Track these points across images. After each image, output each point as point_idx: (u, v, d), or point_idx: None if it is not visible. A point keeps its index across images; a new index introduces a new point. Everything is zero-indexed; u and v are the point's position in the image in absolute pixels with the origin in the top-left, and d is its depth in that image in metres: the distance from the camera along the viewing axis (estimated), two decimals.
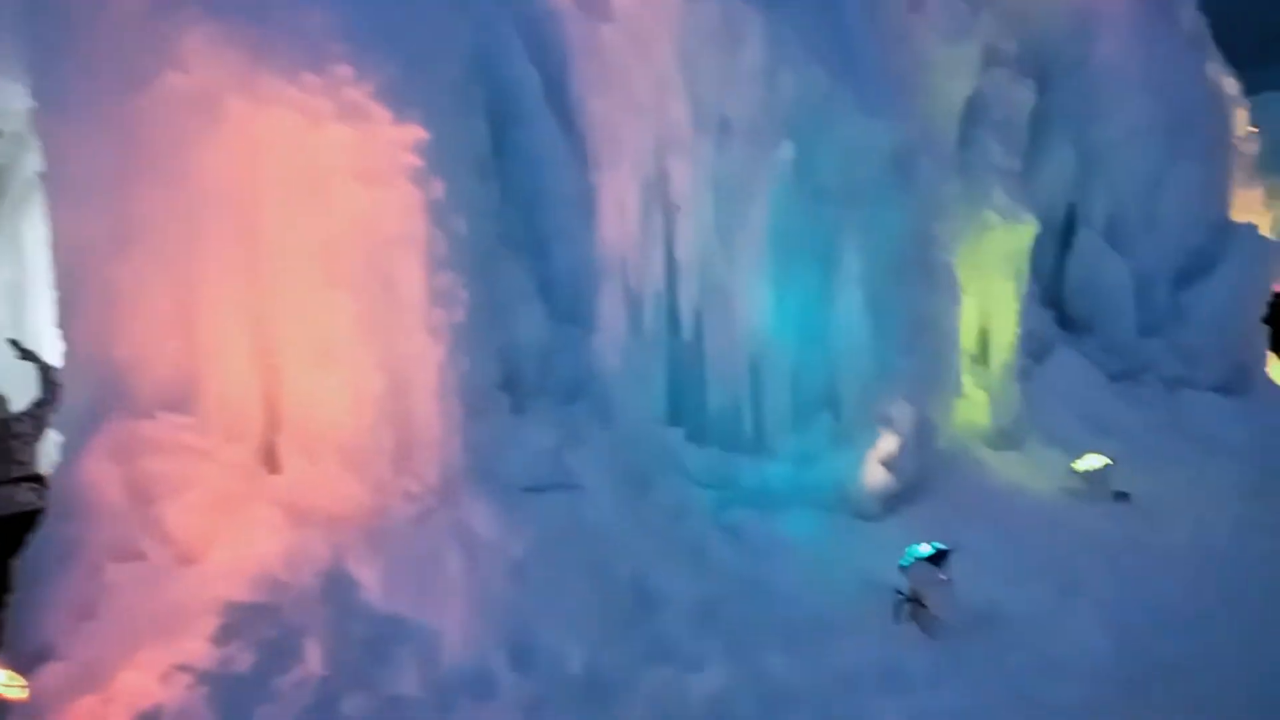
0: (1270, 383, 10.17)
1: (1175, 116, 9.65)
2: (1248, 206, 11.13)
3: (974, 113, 8.33)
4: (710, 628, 4.58)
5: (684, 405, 5.88)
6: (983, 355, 8.21)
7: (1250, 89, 11.48)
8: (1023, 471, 7.61)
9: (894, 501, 6.13)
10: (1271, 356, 11.35)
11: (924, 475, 6.55)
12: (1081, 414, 8.90)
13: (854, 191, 5.96)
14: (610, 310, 5.60)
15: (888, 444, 6.14)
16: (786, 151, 5.54)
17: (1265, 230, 10.67)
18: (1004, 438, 8.08)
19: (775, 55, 5.46)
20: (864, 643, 4.59)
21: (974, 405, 7.91)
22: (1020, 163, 9.09)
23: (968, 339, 8.04)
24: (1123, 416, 8.97)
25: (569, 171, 5.59)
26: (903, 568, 4.84)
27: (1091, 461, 7.27)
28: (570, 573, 4.61)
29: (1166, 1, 10.22)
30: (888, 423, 6.20)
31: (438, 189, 4.92)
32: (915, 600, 4.80)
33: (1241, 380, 9.65)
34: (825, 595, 5.00)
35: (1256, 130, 11.90)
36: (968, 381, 7.87)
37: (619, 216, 5.59)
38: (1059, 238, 10.01)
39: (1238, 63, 11.23)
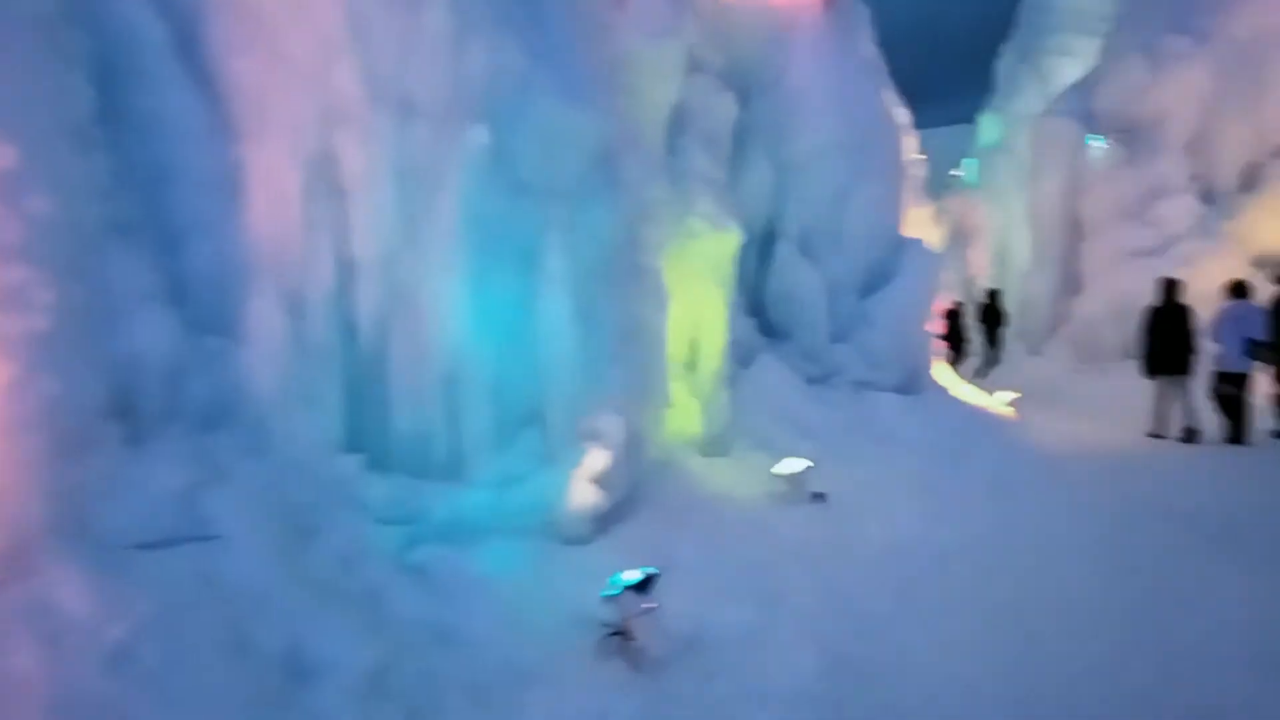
0: (935, 383, 11.18)
1: (857, 138, 10.27)
2: (918, 223, 12.23)
3: (680, 121, 8.22)
4: (381, 696, 3.76)
5: (363, 428, 4.97)
6: (693, 363, 8.09)
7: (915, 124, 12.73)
8: (731, 478, 7.54)
9: (604, 521, 5.65)
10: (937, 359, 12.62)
11: (635, 490, 6.17)
12: (784, 417, 9.12)
13: (558, 186, 5.41)
14: (264, 317, 4.57)
15: (597, 460, 5.66)
16: (479, 135, 4.85)
17: (932, 245, 11.80)
18: (714, 444, 8.00)
19: (462, 22, 4.76)
20: (564, 691, 4.01)
21: (685, 413, 7.75)
22: (725, 174, 9.17)
23: (678, 347, 7.88)
24: (819, 418, 9.33)
25: (207, 145, 4.48)
26: (608, 598, 4.33)
27: (791, 465, 7.35)
28: (198, 651, 3.56)
29: (848, 31, 10.91)
30: (597, 437, 5.71)
31: (5, 157, 3.66)
32: (622, 633, 4.31)
33: (915, 382, 10.47)
34: (523, 637, 4.36)
35: (925, 157, 13.22)
36: (678, 389, 7.68)
37: (274, 202, 4.58)
38: (760, 248, 10.29)
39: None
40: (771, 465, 7.47)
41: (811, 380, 9.83)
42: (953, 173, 22.43)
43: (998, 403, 11.97)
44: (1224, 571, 5.89)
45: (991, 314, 18.04)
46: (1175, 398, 10.16)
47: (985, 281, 20.23)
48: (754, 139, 9.90)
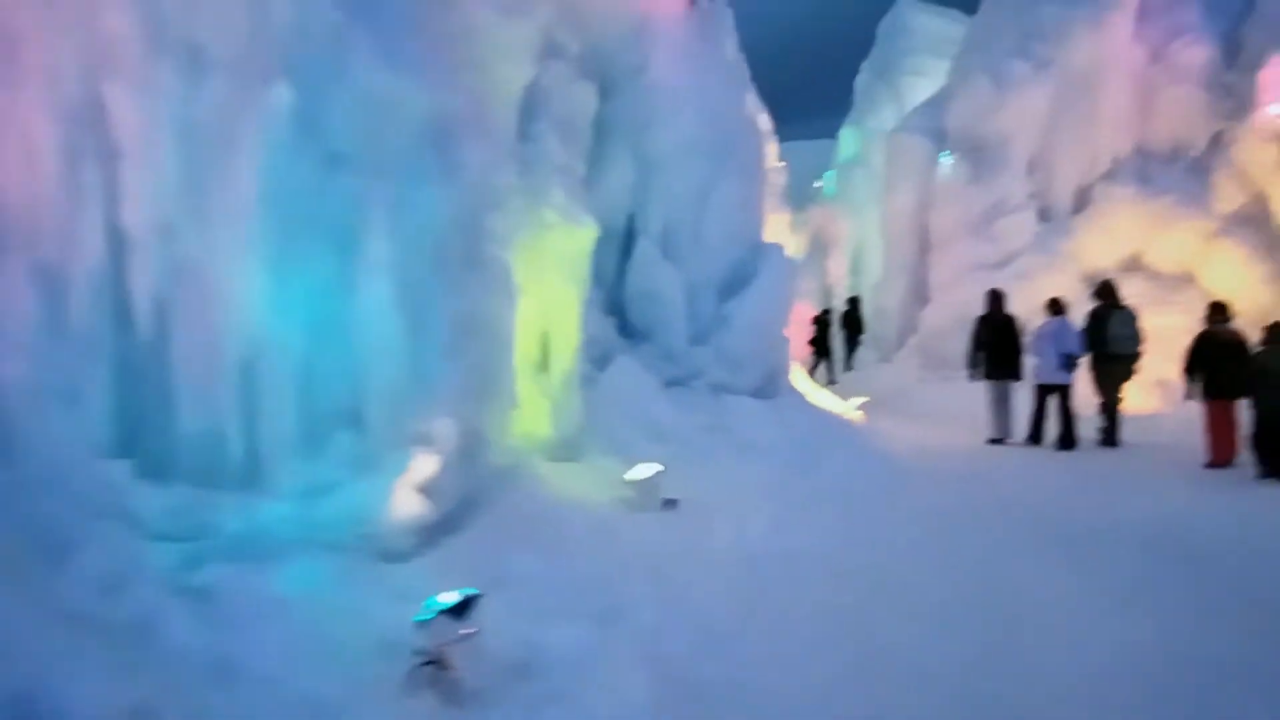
0: (791, 388, 11.16)
1: (719, 138, 10.10)
2: (777, 229, 12.23)
3: (534, 106, 7.74)
4: None
5: (139, 429, 4.23)
6: (544, 362, 7.63)
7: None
8: (582, 484, 7.12)
9: (432, 534, 5.11)
10: (794, 364, 12.67)
11: (471, 499, 5.65)
12: (640, 421, 8.80)
13: (381, 162, 4.83)
14: (10, 297, 3.79)
15: (425, 466, 5.11)
16: (282, 95, 4.22)
17: (790, 250, 11.81)
18: (565, 449, 7.56)
19: None
20: None
21: (534, 415, 7.27)
22: (584, 166, 8.76)
23: (528, 345, 7.40)
24: (676, 422, 9.05)
25: None
26: (420, 624, 3.81)
27: (643, 471, 7.01)
28: None
29: (712, 31, 10.74)
30: (426, 441, 5.16)
31: None
32: (436, 662, 3.80)
33: (772, 386, 10.38)
34: (322, 669, 3.77)
35: (785, 164, 13.28)
36: (528, 390, 7.20)
37: (24, 162, 3.81)
38: (621, 246, 9.95)
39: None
40: (625, 470, 7.11)
41: (670, 383, 9.55)
42: (815, 184, 22.96)
43: (849, 408, 12.10)
44: (1058, 570, 5.97)
45: (852, 321, 18.55)
46: (1007, 401, 10.64)
47: (843, 290, 20.77)
48: (615, 133, 9.55)
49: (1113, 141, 15.20)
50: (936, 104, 17.04)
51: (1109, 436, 10.26)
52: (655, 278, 9.72)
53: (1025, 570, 6.01)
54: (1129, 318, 10.32)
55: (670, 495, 7.05)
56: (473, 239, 5.88)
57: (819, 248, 22.35)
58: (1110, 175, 15.20)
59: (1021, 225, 15.24)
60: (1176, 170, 14.71)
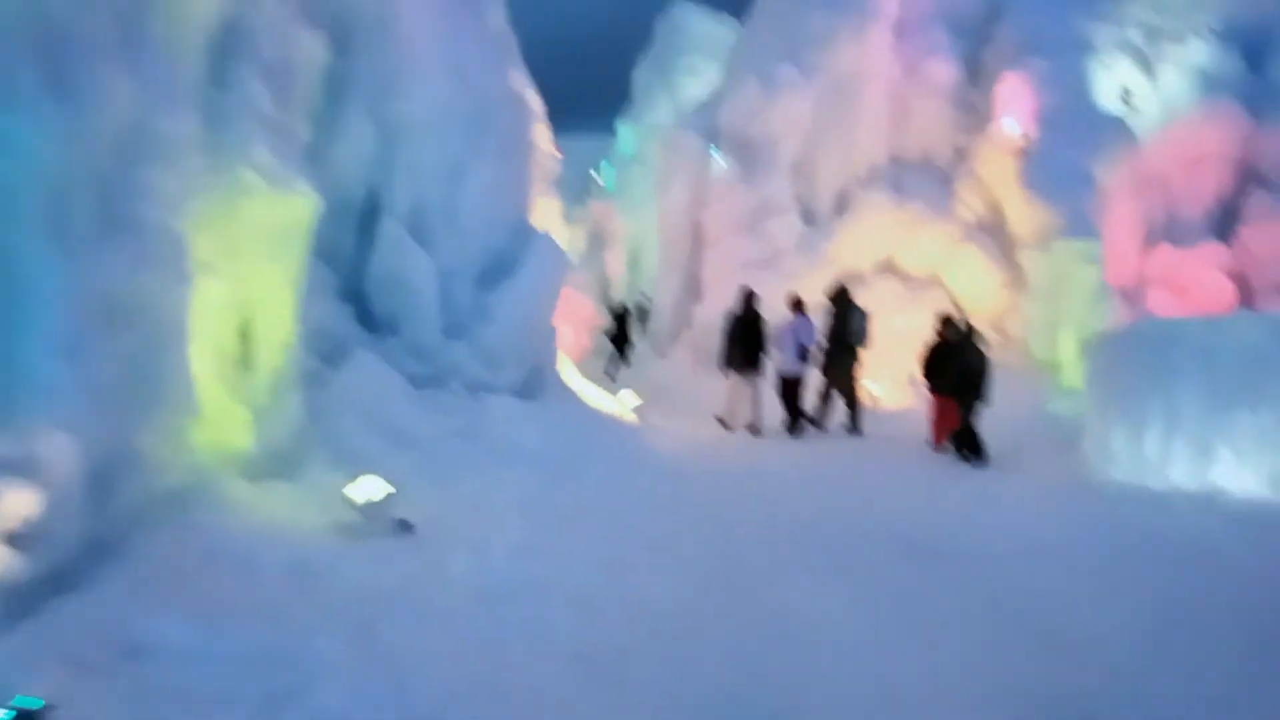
0: (561, 386, 10.25)
1: (477, 108, 8.96)
2: (549, 217, 11.27)
3: (235, 46, 6.21)
4: None
5: None
6: (247, 359, 6.15)
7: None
8: (290, 507, 5.75)
9: (29, 599, 3.61)
10: (564, 357, 11.80)
11: (105, 542, 4.17)
12: (381, 426, 7.48)
13: None
14: None
15: (17, 504, 3.60)
16: None
17: (560, 240, 10.88)
18: (275, 463, 6.15)
19: None
20: None
21: (229, 424, 5.78)
22: (309, 127, 7.31)
23: (223, 338, 5.89)
24: (424, 426, 7.82)
25: None
26: None
27: (369, 488, 5.76)
28: None
29: None
30: (22, 469, 3.64)
31: None
32: None
33: (536, 383, 9.41)
34: None
35: (561, 156, 12.36)
36: (219, 393, 5.71)
37: None
38: (361, 223, 8.54)
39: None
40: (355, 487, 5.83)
41: (420, 382, 8.30)
42: (592, 173, 22.34)
43: (622, 405, 11.42)
44: (836, 589, 5.45)
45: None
46: (747, 393, 11.04)
47: (621, 286, 20.30)
48: (352, 93, 8.13)
49: (870, 149, 15.68)
50: (710, 104, 16.88)
51: (854, 424, 11.03)
52: (402, 262, 8.42)
53: (792, 573, 5.51)
54: (863, 315, 11.21)
55: (405, 516, 5.87)
56: (115, 196, 4.36)
57: (598, 243, 21.77)
58: (867, 181, 15.68)
59: (787, 226, 15.34)
60: (926, 179, 15.41)
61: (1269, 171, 14.14)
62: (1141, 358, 8.00)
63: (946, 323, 10.28)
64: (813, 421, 11.02)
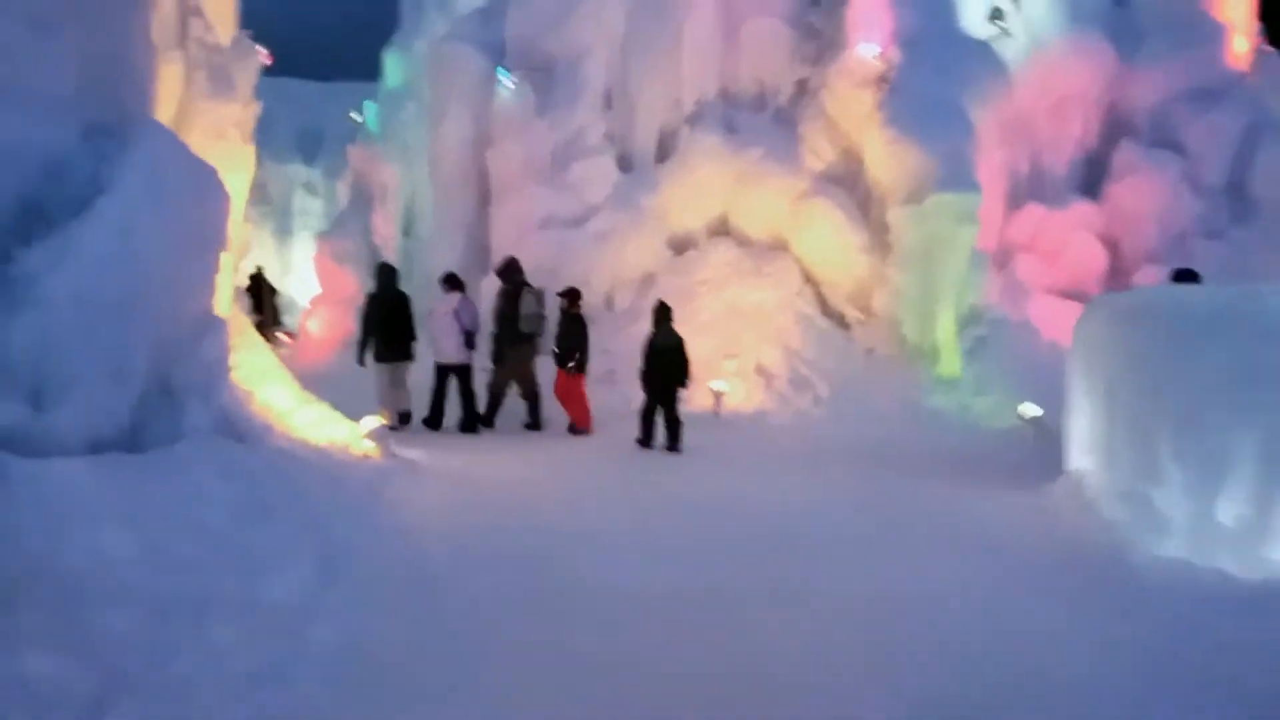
0: (232, 419, 5.63)
1: None
2: (208, 133, 6.51)
3: None
4: None
5: None
6: None
7: None
8: None
9: None
10: (272, 361, 7.14)
11: None
12: None
13: None
14: None
15: None
16: None
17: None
18: None
19: None
20: None
21: None
22: None
23: None
24: None
25: None
26: None
27: None
28: None
29: None
30: None
31: None
32: None
33: (161, 425, 4.80)
34: None
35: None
36: None
37: None
38: None
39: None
40: None
41: None
42: (352, 115, 17.13)
43: (357, 434, 7.00)
44: None
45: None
46: (403, 384, 9.13)
47: (395, 253, 15.40)
48: None
49: (696, 78, 11.99)
50: (493, 11, 12.45)
51: (534, 420, 9.31)
52: None
53: None
54: (537, 297, 9.35)
55: None
56: None
57: (362, 199, 16.65)
58: (694, 119, 12.01)
59: (601, 171, 11.38)
60: (764, 119, 11.96)
61: (1137, 118, 11.96)
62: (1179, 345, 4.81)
63: (570, 295, 9.12)
64: (485, 420, 9.17)
